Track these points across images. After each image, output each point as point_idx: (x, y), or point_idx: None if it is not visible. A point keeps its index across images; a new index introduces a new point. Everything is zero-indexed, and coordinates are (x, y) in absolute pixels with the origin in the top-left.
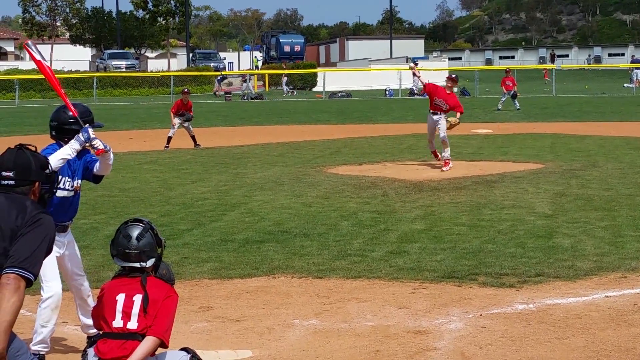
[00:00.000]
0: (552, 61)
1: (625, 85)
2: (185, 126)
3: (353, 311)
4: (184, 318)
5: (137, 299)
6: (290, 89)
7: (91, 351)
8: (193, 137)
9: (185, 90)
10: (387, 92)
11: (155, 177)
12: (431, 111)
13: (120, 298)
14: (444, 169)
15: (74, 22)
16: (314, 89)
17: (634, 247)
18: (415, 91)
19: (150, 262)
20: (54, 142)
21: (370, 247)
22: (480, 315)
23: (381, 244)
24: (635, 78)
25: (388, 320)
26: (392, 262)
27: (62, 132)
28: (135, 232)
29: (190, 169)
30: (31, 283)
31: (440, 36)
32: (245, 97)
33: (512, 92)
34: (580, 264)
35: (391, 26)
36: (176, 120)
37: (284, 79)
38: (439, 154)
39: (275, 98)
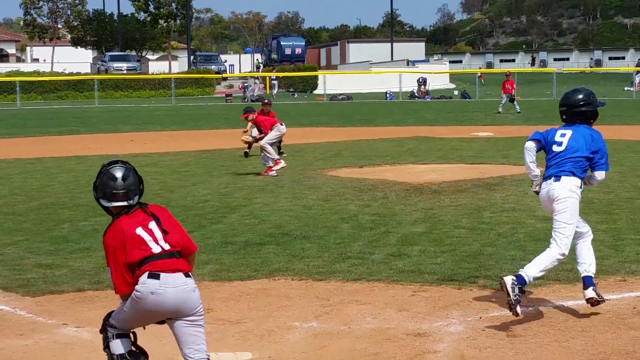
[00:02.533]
0: (533, 64)
1: (626, 88)
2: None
3: (353, 314)
4: None
5: (153, 225)
6: (291, 91)
7: (150, 280)
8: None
9: (267, 101)
10: (387, 95)
11: (156, 179)
12: None
13: (141, 231)
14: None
15: (75, 24)
16: (315, 92)
17: (633, 251)
18: (416, 94)
19: (136, 199)
20: None
21: (370, 250)
22: (480, 318)
23: (381, 246)
24: (637, 81)
25: (388, 323)
26: (392, 265)
27: None
28: (119, 173)
29: (191, 171)
30: None
31: (441, 39)
32: (246, 99)
33: (511, 95)
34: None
35: (392, 29)
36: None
37: (274, 82)
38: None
39: (276, 100)
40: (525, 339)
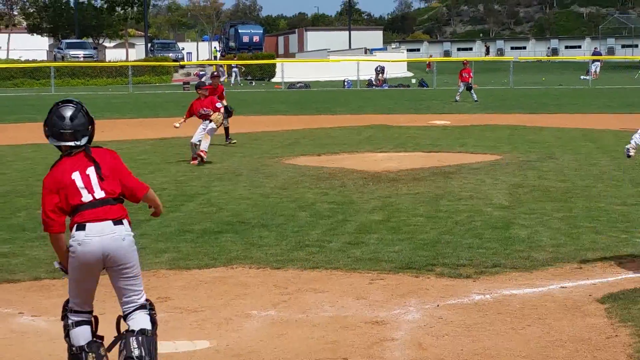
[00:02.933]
0: (487, 53)
1: (582, 77)
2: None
3: (311, 302)
4: None
5: (91, 170)
6: (249, 79)
7: (77, 232)
8: (227, 129)
9: (215, 73)
10: (345, 83)
11: None
12: None
13: (76, 176)
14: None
15: (31, 11)
16: (273, 80)
17: (589, 238)
18: (374, 82)
19: (84, 141)
20: None
21: (328, 238)
22: (438, 305)
23: (339, 234)
24: (593, 70)
25: (346, 311)
26: (350, 253)
27: None
28: (68, 112)
29: (148, 159)
30: None
31: (398, 27)
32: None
33: (468, 83)
34: (537, 255)
35: (350, 17)
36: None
37: (235, 70)
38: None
39: (233, 89)
40: (482, 326)
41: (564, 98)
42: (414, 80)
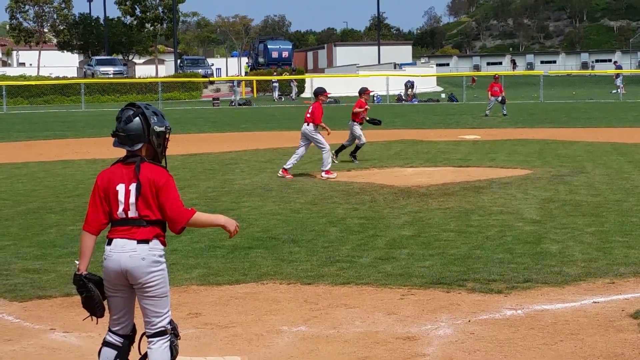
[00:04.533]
0: (514, 68)
1: (613, 91)
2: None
3: (341, 317)
4: None
5: (133, 187)
6: (278, 95)
7: (106, 246)
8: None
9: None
10: (375, 98)
11: None
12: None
13: (121, 188)
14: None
15: (62, 28)
16: (302, 95)
17: (621, 253)
18: (403, 97)
19: (136, 147)
20: None
21: (358, 253)
22: (469, 321)
23: (369, 250)
24: (618, 84)
25: (376, 327)
26: (380, 268)
27: None
28: (125, 114)
29: (178, 175)
30: None
31: (428, 42)
32: (233, 103)
33: (501, 97)
34: (568, 270)
35: (379, 32)
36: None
37: (275, 85)
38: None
39: (264, 104)
40: (514, 342)
41: (594, 112)
42: (443, 95)
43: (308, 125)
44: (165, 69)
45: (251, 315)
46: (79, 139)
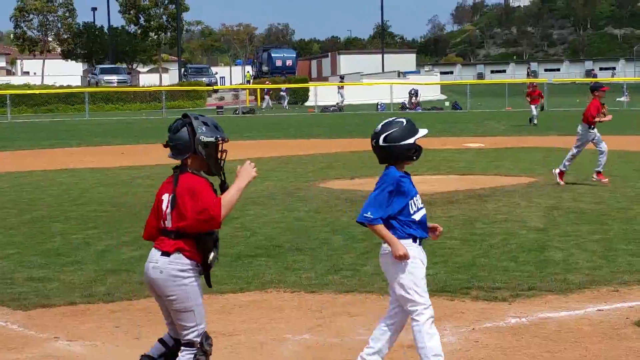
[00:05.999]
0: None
1: (618, 99)
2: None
3: (345, 326)
4: None
5: (171, 198)
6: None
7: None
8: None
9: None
10: (379, 106)
11: (147, 191)
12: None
13: (165, 198)
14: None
15: (66, 37)
16: (306, 104)
17: (625, 261)
18: (407, 105)
19: (183, 157)
20: None
21: (362, 262)
22: (473, 329)
23: (373, 258)
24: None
25: None
26: (384, 277)
27: None
28: (174, 124)
29: None
30: None
31: (431, 50)
32: (237, 112)
33: (540, 104)
34: (573, 278)
35: (383, 40)
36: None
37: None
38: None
39: (268, 113)
40: (518, 349)
41: None
42: (447, 103)
43: (586, 124)
44: (169, 78)
45: (255, 323)
46: (83, 147)
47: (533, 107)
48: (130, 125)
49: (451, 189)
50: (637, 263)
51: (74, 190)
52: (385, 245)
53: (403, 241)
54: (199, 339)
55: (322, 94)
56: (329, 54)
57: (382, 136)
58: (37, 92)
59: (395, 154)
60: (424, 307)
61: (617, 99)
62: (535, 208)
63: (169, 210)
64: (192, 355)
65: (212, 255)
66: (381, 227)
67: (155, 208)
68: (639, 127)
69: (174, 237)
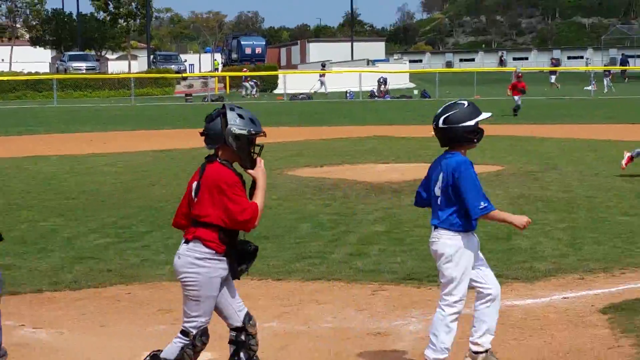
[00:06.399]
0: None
1: (585, 88)
2: None
3: (313, 313)
4: (142, 320)
5: (197, 186)
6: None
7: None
8: None
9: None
10: (348, 95)
11: (114, 179)
12: None
13: (194, 186)
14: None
15: (34, 23)
16: (275, 91)
17: (591, 249)
18: (376, 94)
19: (214, 147)
20: None
21: (330, 249)
22: None
23: (341, 245)
24: (552, 81)
25: (348, 322)
26: (352, 264)
27: None
28: (210, 114)
29: (149, 171)
30: None
31: (401, 39)
32: (206, 99)
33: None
34: (539, 266)
35: (352, 29)
36: None
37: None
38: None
39: (237, 100)
40: None
41: (566, 109)
42: (416, 92)
43: None
44: (138, 65)
45: None
46: (51, 134)
47: (516, 97)
48: (98, 113)
49: (420, 177)
50: (602, 251)
51: (41, 177)
52: (436, 233)
53: (467, 234)
54: (194, 332)
55: (291, 82)
56: (299, 42)
57: (442, 118)
58: (4, 78)
59: (456, 136)
60: (456, 301)
61: (585, 88)
62: (503, 196)
63: (193, 197)
64: (182, 345)
65: (244, 266)
66: (496, 212)
67: (185, 195)
68: (606, 117)
69: (194, 225)
